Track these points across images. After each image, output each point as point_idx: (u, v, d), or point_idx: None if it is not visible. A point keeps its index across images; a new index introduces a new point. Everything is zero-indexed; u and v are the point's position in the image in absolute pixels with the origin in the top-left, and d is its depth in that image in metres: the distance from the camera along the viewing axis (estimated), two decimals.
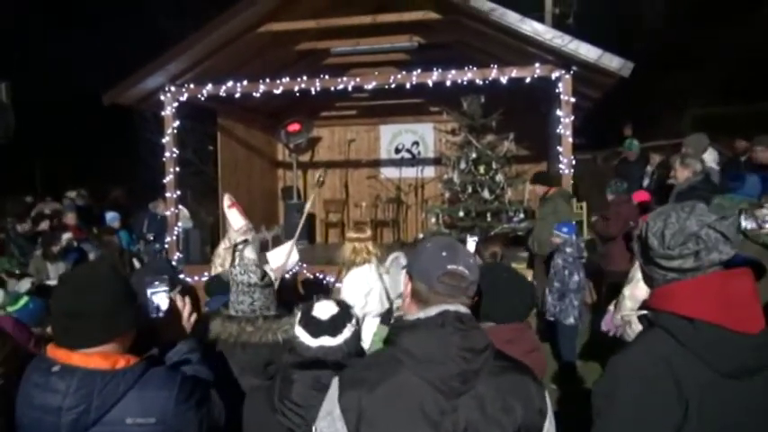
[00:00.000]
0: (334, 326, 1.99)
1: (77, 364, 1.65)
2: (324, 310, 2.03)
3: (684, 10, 16.72)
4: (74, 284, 1.74)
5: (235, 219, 5.33)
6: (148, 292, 2.02)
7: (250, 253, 5.52)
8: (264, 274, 2.80)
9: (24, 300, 3.70)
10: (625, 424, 1.46)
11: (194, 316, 2.19)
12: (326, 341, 1.97)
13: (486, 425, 1.48)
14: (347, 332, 2.00)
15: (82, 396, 1.61)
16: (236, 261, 6.17)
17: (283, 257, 6.28)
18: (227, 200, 5.55)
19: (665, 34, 17.13)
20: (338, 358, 1.95)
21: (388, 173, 11.15)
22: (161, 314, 2.11)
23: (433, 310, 1.57)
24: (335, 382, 1.59)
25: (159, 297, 2.13)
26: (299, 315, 2.07)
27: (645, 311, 1.61)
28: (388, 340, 1.62)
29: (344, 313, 2.05)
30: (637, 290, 3.98)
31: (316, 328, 1.99)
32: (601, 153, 15.03)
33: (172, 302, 2.12)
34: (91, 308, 1.68)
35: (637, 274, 4.05)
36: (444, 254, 1.61)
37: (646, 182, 7.82)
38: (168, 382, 1.73)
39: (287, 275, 5.59)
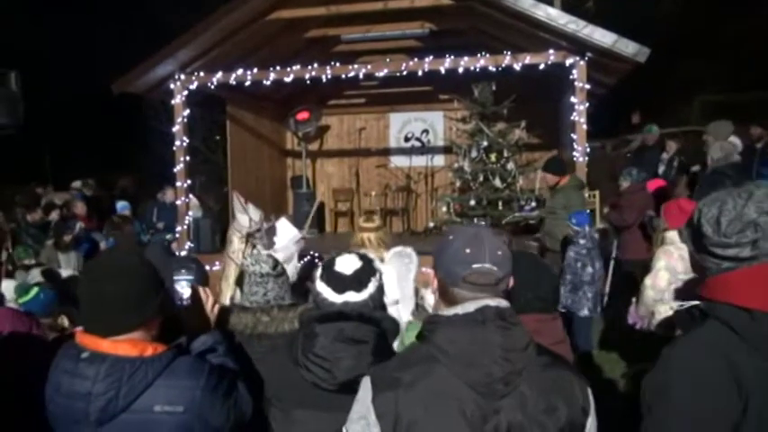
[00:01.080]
0: (358, 281, 1.90)
1: (106, 350, 1.66)
2: (346, 264, 1.93)
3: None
4: (101, 271, 1.72)
5: (254, 212, 5.34)
6: (173, 279, 1.98)
7: (270, 239, 5.55)
8: (276, 263, 2.75)
9: (35, 290, 3.69)
10: (681, 421, 1.39)
11: (217, 306, 2.16)
12: (351, 296, 1.87)
13: (529, 427, 1.42)
14: (372, 287, 1.91)
15: (111, 383, 1.62)
16: (253, 251, 6.17)
17: (286, 240, 6.30)
18: (241, 197, 5.55)
19: (674, 22, 16.94)
20: (362, 312, 1.88)
21: (398, 161, 11.06)
22: (183, 303, 2.08)
23: (471, 306, 1.48)
24: (367, 382, 1.52)
25: (181, 285, 2.10)
26: (319, 270, 1.97)
27: (696, 302, 1.54)
28: (422, 336, 1.55)
29: (368, 267, 1.95)
30: (658, 279, 3.92)
31: (339, 283, 1.89)
32: (610, 141, 14.91)
33: (195, 292, 2.09)
34: (118, 295, 1.67)
35: (657, 263, 3.99)
36: (468, 250, 1.50)
37: (661, 169, 7.73)
38: (196, 371, 1.73)
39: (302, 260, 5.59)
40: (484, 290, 1.50)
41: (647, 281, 3.94)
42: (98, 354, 1.65)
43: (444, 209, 9.36)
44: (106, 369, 1.62)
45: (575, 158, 7.21)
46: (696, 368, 1.41)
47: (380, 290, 1.98)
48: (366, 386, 1.51)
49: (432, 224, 9.74)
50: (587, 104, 7.14)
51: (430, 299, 3.56)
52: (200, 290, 2.05)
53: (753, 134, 7.81)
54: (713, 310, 1.44)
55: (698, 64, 16.42)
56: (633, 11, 15.36)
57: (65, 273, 5.99)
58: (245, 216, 6.10)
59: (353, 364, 1.78)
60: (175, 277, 2.01)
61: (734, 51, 15.86)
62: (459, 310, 1.49)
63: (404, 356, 1.58)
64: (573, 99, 7.18)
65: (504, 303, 1.51)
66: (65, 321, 3.48)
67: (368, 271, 1.94)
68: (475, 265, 1.49)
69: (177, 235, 8.22)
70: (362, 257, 2.00)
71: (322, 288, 1.91)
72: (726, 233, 1.44)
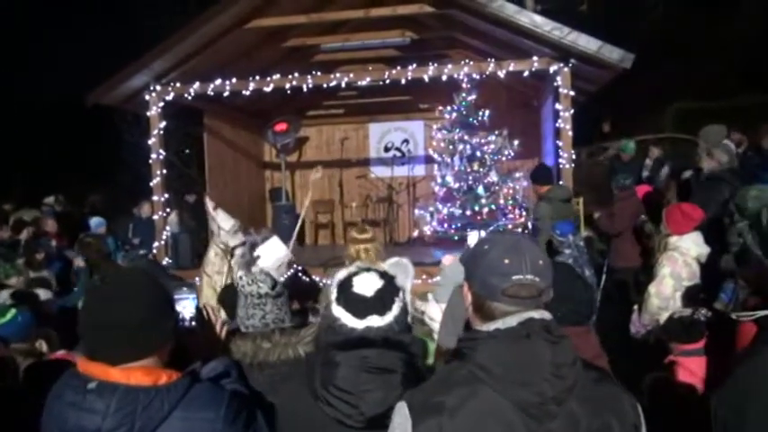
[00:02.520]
0: (381, 303, 1.67)
1: (116, 380, 1.46)
2: (367, 284, 1.70)
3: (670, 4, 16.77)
4: (108, 294, 1.54)
5: (223, 219, 5.00)
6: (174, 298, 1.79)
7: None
8: (275, 283, 2.56)
9: (12, 312, 3.42)
10: None
11: (225, 328, 1.98)
12: (374, 321, 1.65)
13: None
14: (396, 308, 1.68)
15: (123, 416, 1.43)
16: (235, 269, 5.93)
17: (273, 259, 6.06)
18: (209, 203, 5.25)
19: (648, 30, 17.18)
20: (387, 336, 1.66)
21: (379, 172, 10.94)
22: (186, 324, 1.90)
23: (513, 320, 1.36)
24: (404, 408, 1.36)
25: (182, 305, 1.91)
26: (335, 292, 1.74)
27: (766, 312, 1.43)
28: (461, 354, 1.41)
29: (390, 286, 1.72)
30: (663, 287, 3.85)
31: (360, 307, 1.66)
32: (584, 149, 14.99)
33: (201, 313, 1.91)
34: (132, 318, 1.50)
35: (662, 270, 3.91)
36: (507, 261, 1.38)
37: (645, 174, 7.72)
38: (215, 400, 1.55)
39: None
40: (525, 303, 1.38)
41: (652, 288, 3.86)
42: (107, 384, 1.46)
43: (428, 218, 9.26)
44: (118, 401, 1.43)
45: (561, 166, 7.16)
46: None
47: (405, 311, 1.77)
48: (403, 413, 1.36)
49: (416, 233, 9.63)
50: (572, 111, 7.09)
51: (431, 311, 3.40)
52: (209, 310, 1.87)
53: (733, 139, 7.85)
54: None
55: (670, 72, 16.64)
56: (614, 19, 15.50)
57: (42, 293, 5.68)
58: (227, 223, 5.83)
59: (382, 396, 1.58)
60: (176, 296, 1.82)
61: (706, 60, 16.13)
62: (500, 324, 1.37)
63: (442, 378, 1.42)
64: (558, 106, 7.14)
65: (547, 315, 1.40)
66: (43, 346, 3.23)
67: (391, 291, 1.72)
68: (515, 277, 1.37)
69: (155, 251, 7.95)
70: (383, 275, 1.79)
71: (340, 313, 1.68)
72: None
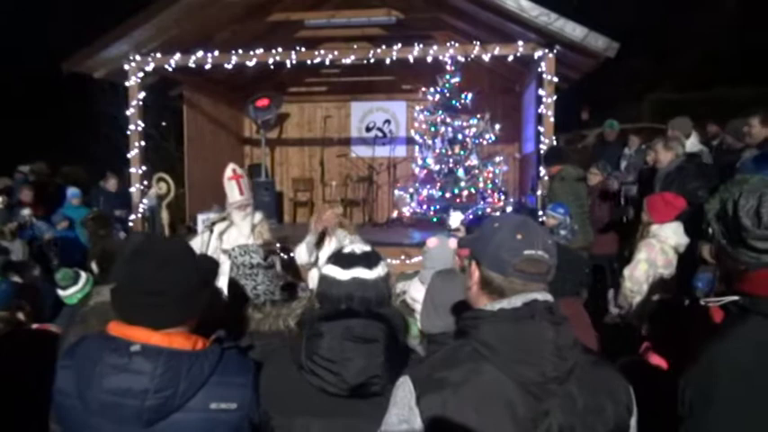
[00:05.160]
0: (369, 260, 1.78)
1: (159, 343, 1.50)
2: (356, 247, 1.84)
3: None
4: (155, 259, 1.56)
5: (230, 191, 4.71)
6: None
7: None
8: (267, 255, 2.58)
9: None
10: (727, 420, 1.33)
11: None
12: (361, 273, 1.74)
13: (580, 429, 1.33)
14: (381, 269, 1.79)
15: (170, 378, 1.48)
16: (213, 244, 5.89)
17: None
18: (229, 171, 4.87)
19: (627, 19, 17.32)
20: (371, 298, 1.73)
21: (360, 151, 10.91)
22: None
23: (518, 300, 1.38)
24: (407, 383, 1.38)
25: None
26: (325, 260, 1.88)
27: (735, 297, 1.48)
28: (464, 332, 1.43)
29: (377, 253, 1.86)
30: (636, 271, 3.93)
31: (348, 260, 1.77)
32: (563, 136, 15.13)
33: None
34: (174, 285, 1.54)
35: (638, 255, 3.99)
36: (519, 236, 1.41)
37: (623, 164, 7.82)
38: (245, 367, 1.65)
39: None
40: (534, 279, 1.41)
41: (626, 271, 3.95)
42: (151, 347, 1.50)
43: (408, 199, 9.29)
44: (164, 363, 1.48)
45: (541, 152, 7.21)
46: (740, 365, 1.36)
47: (388, 277, 1.84)
48: (406, 387, 1.38)
49: (395, 214, 9.66)
50: (555, 98, 7.14)
51: (416, 293, 3.38)
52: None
53: (709, 131, 7.97)
54: (757, 305, 1.38)
55: (648, 63, 16.83)
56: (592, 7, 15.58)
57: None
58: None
59: (364, 364, 1.62)
60: None
61: (683, 51, 16.34)
62: (506, 304, 1.39)
63: (447, 354, 1.44)
64: (540, 92, 7.18)
65: (550, 297, 1.42)
66: (21, 316, 3.19)
67: (377, 255, 1.85)
68: (527, 252, 1.39)
69: (131, 224, 7.85)
70: (369, 247, 1.89)
71: (328, 269, 1.78)
72: None
